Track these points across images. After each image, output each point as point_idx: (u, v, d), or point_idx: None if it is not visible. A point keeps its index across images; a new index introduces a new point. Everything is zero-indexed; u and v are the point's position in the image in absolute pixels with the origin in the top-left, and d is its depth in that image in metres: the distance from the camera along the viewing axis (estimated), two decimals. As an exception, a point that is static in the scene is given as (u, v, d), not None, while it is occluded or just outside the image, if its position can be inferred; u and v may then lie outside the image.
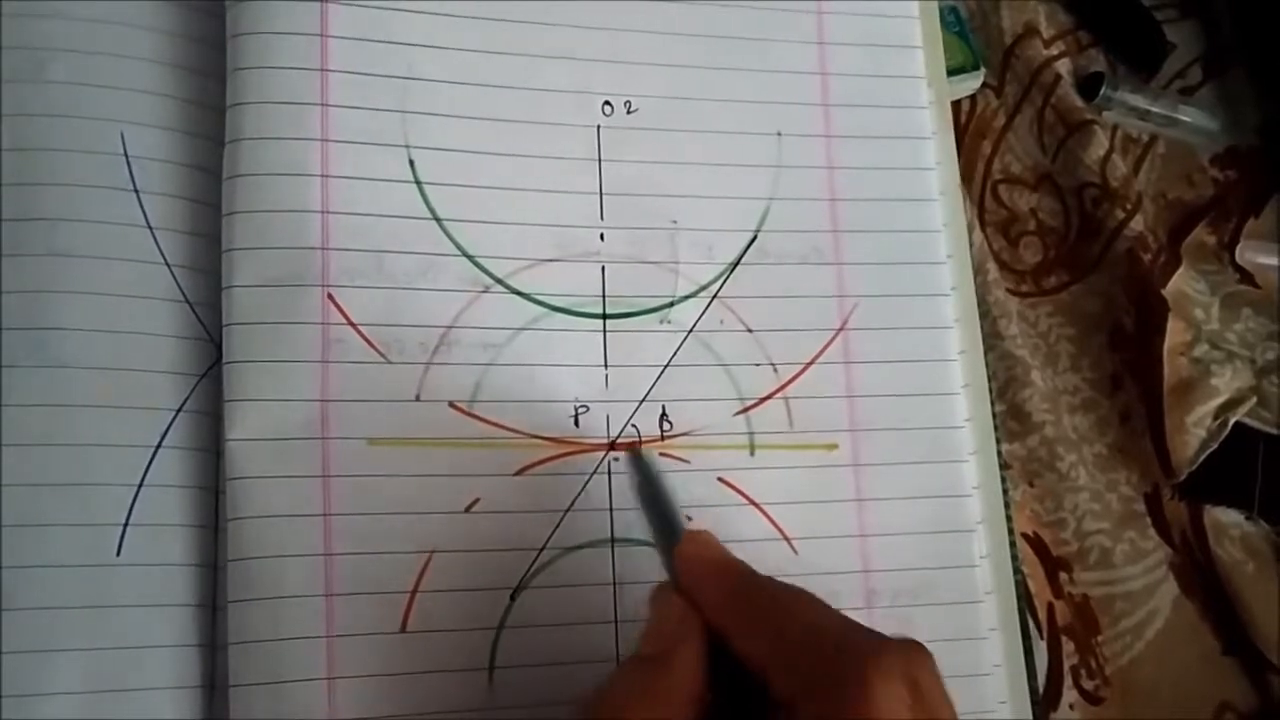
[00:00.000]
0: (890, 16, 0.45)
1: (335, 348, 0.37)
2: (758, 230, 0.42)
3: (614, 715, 0.28)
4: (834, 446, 0.41)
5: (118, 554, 0.36)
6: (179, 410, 0.37)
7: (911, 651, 0.28)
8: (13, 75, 0.38)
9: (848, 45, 0.44)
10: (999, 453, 0.44)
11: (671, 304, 0.40)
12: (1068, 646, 0.47)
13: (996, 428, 0.46)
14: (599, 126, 0.41)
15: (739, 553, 0.38)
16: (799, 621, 0.29)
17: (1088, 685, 0.47)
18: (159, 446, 0.37)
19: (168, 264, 0.38)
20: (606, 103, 0.41)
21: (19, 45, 0.38)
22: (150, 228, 0.38)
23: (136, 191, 0.38)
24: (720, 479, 0.40)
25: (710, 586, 0.30)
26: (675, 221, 0.41)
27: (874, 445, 0.41)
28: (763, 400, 0.40)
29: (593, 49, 0.41)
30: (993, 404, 0.49)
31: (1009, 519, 0.44)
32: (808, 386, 0.41)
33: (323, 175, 0.38)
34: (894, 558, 0.40)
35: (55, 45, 0.39)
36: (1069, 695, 0.47)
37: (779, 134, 0.43)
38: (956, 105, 0.54)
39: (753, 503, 0.40)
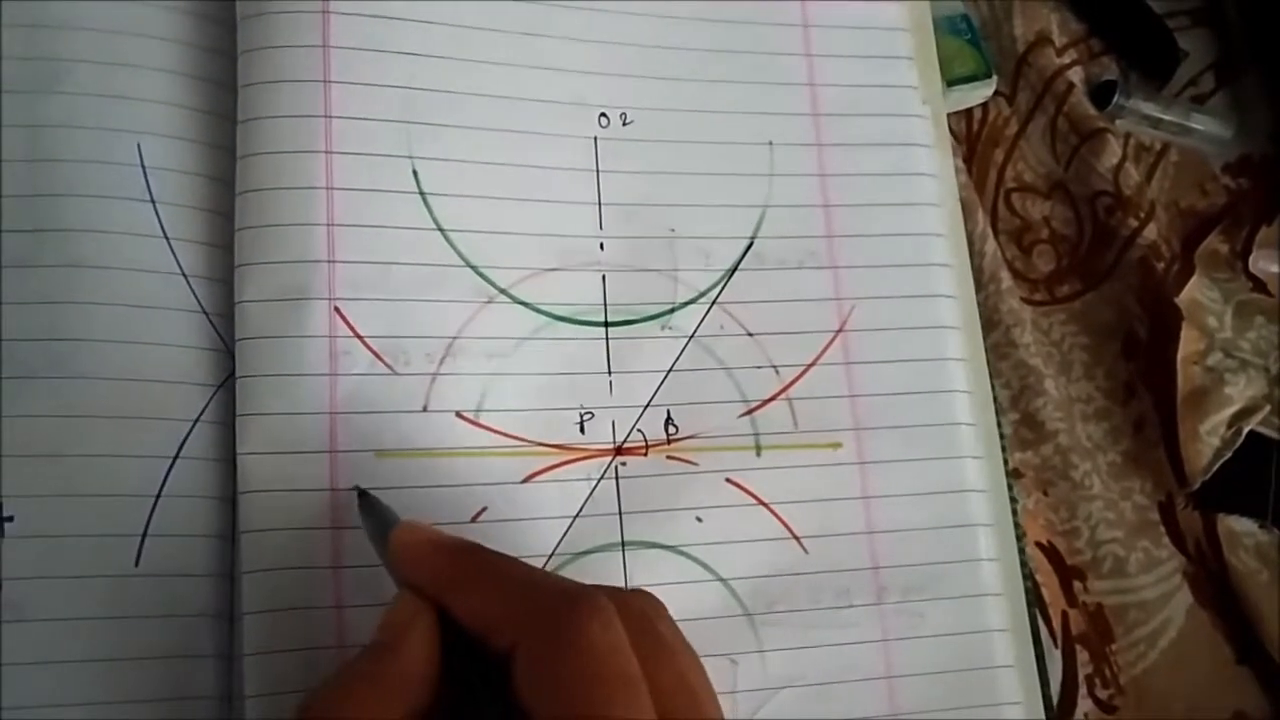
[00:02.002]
0: (877, 28, 0.45)
1: (342, 360, 0.37)
2: (754, 237, 0.42)
3: (337, 704, 0.28)
4: (838, 445, 0.41)
5: (136, 564, 0.36)
6: (196, 420, 0.37)
7: (635, 598, 0.29)
8: (31, 86, 0.38)
9: (835, 57, 0.45)
10: (1005, 460, 0.45)
11: (672, 310, 0.41)
12: (1082, 655, 0.47)
13: (1005, 435, 0.46)
14: (596, 138, 0.41)
15: (752, 553, 0.39)
16: (518, 577, 0.30)
17: (1102, 694, 0.47)
18: (177, 457, 0.37)
19: (184, 274, 0.38)
20: (603, 114, 0.42)
21: (38, 56, 0.38)
22: (167, 238, 0.38)
23: (153, 202, 0.38)
24: (728, 480, 0.40)
25: (426, 559, 0.30)
26: (673, 230, 0.41)
27: (878, 443, 0.41)
28: (766, 402, 0.41)
29: (588, 61, 0.42)
30: (1006, 413, 0.49)
31: (1017, 525, 0.44)
32: (810, 387, 0.41)
33: (327, 188, 0.38)
34: (902, 554, 0.40)
35: (74, 56, 0.39)
36: (1083, 704, 0.47)
37: (770, 143, 0.43)
38: (969, 114, 0.54)
39: (761, 503, 0.40)
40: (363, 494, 0.35)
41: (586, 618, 0.27)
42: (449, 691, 0.29)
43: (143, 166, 0.39)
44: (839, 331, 0.42)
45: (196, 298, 0.38)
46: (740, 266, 0.42)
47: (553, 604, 0.28)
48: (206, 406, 0.38)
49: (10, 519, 0.35)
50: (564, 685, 0.26)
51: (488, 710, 0.28)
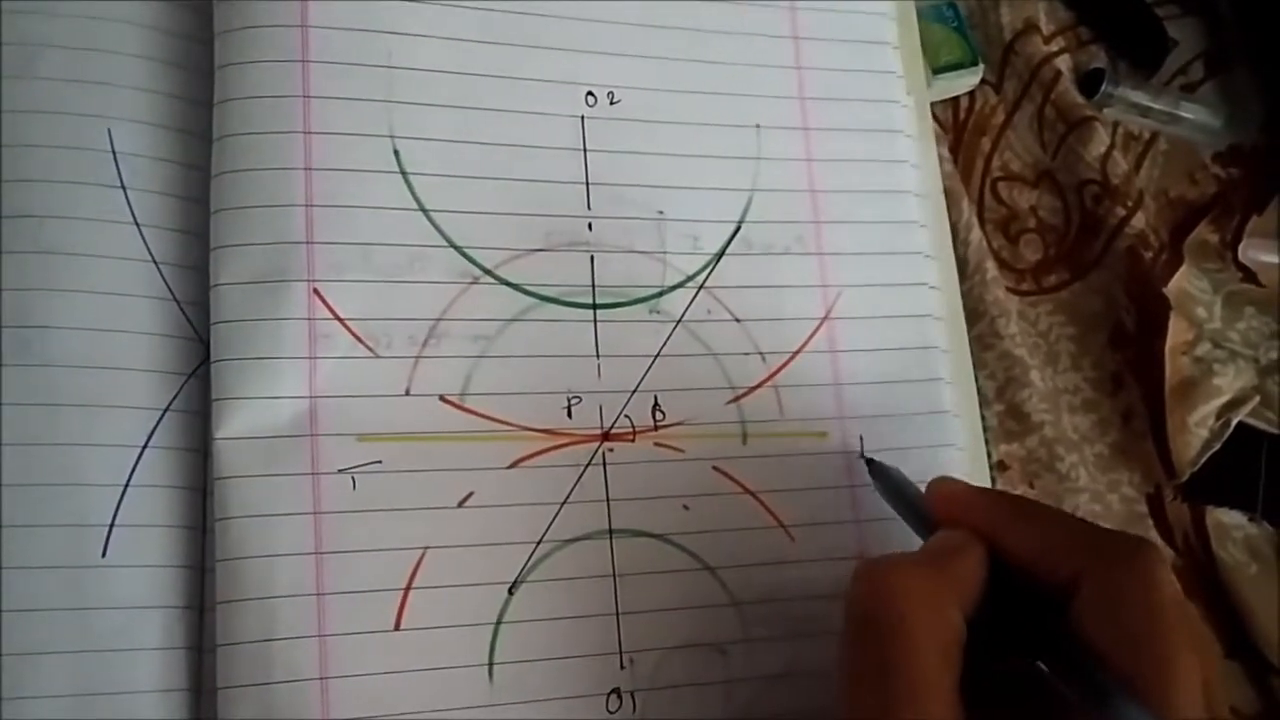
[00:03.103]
0: (863, 13, 0.46)
1: (322, 343, 0.36)
2: (741, 221, 0.42)
3: (903, 575, 0.30)
4: (824, 434, 0.41)
5: (103, 555, 0.35)
6: (166, 410, 0.37)
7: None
8: (1, 70, 0.38)
9: (821, 40, 0.45)
10: (990, 453, 0.44)
11: (660, 294, 0.40)
12: (1069, 649, 0.47)
13: (989, 428, 0.46)
14: (583, 117, 0.41)
15: (740, 541, 0.39)
16: (1069, 517, 0.33)
17: (1090, 689, 0.47)
18: (146, 446, 0.36)
19: (155, 262, 0.38)
20: (590, 93, 0.41)
21: (8, 40, 0.38)
22: (138, 225, 0.38)
23: (124, 188, 0.38)
24: (715, 468, 0.39)
25: (975, 502, 0.34)
26: (662, 212, 0.41)
27: (863, 432, 0.41)
28: (753, 389, 0.41)
29: (575, 39, 0.41)
30: (991, 404, 0.48)
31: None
32: (796, 375, 0.41)
33: (306, 168, 0.37)
34: (888, 544, 0.40)
35: (44, 41, 0.38)
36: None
37: (758, 126, 0.43)
38: (955, 102, 0.54)
39: (748, 491, 0.39)
40: (870, 461, 0.38)
41: (1156, 560, 0.30)
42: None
43: (114, 152, 0.38)
44: (825, 319, 0.42)
45: (167, 285, 0.38)
46: (728, 251, 0.42)
47: (1120, 542, 0.31)
48: (176, 395, 0.37)
49: (-25, 508, 0.34)
50: (1138, 613, 0.29)
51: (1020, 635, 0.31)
